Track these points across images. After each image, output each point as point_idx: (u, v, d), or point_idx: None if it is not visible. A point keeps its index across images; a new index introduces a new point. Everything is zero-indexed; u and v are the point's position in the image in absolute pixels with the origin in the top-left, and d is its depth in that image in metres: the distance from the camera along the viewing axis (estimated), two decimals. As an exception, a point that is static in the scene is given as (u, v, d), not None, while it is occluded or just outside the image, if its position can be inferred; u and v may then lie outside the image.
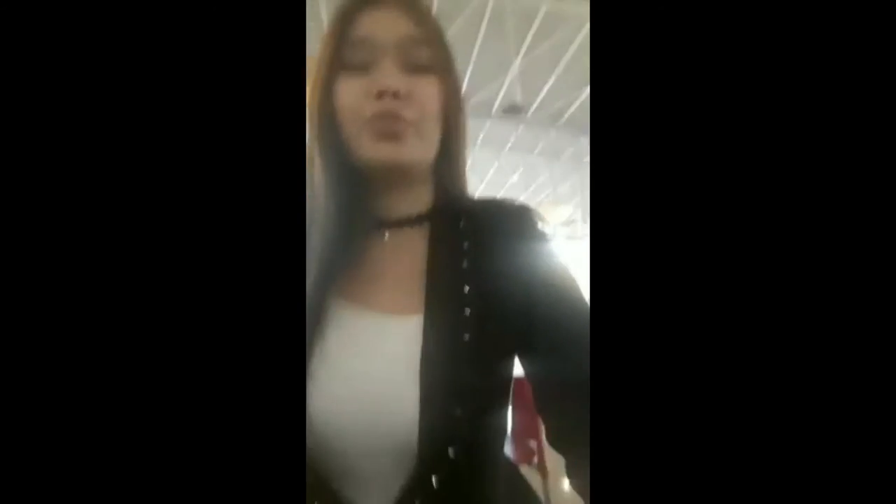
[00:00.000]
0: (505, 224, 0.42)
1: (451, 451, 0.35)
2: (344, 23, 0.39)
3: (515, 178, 7.02)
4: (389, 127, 0.37)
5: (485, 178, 7.08)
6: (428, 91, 0.39)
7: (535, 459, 1.51)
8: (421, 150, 0.39)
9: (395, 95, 0.37)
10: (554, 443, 0.38)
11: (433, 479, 0.35)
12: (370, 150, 0.38)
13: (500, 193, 7.57)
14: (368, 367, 0.37)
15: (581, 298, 0.39)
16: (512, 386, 0.42)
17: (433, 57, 0.39)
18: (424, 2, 0.41)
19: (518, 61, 4.35)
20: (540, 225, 0.42)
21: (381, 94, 0.37)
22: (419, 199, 0.43)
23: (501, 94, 4.94)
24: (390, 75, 0.37)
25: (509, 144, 6.10)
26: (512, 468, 0.47)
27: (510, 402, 0.42)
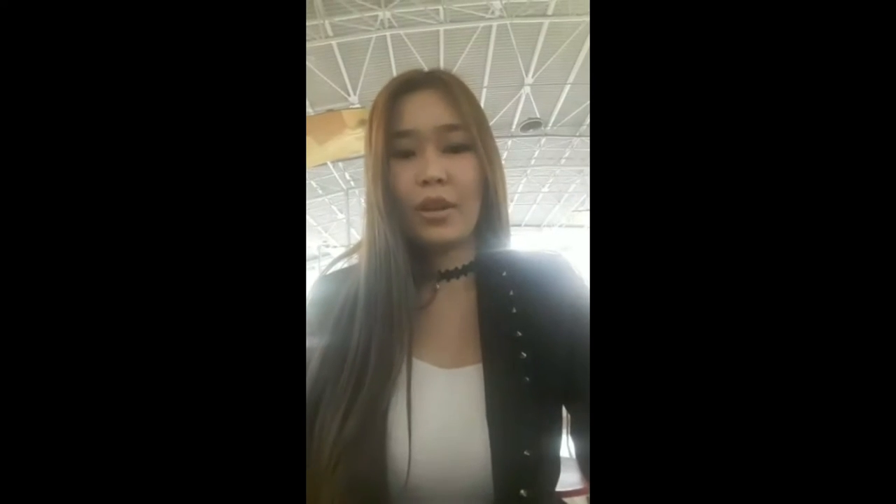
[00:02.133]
0: (544, 273, 0.46)
1: (523, 492, 0.38)
2: (387, 113, 0.44)
3: (546, 188, 6.97)
4: (436, 215, 0.43)
5: (515, 195, 7.08)
6: (465, 168, 0.43)
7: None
8: (464, 225, 0.44)
9: (439, 182, 0.42)
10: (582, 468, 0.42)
11: None
12: (422, 233, 0.43)
13: (532, 207, 7.53)
14: (441, 418, 0.40)
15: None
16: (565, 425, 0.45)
17: (468, 138, 0.44)
18: (456, 81, 0.46)
19: (529, 78, 4.42)
20: (575, 271, 0.47)
21: (426, 183, 0.42)
22: (465, 254, 0.47)
23: (518, 111, 5.01)
24: (433, 163, 0.42)
25: (534, 159, 6.11)
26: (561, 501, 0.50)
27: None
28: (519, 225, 7.85)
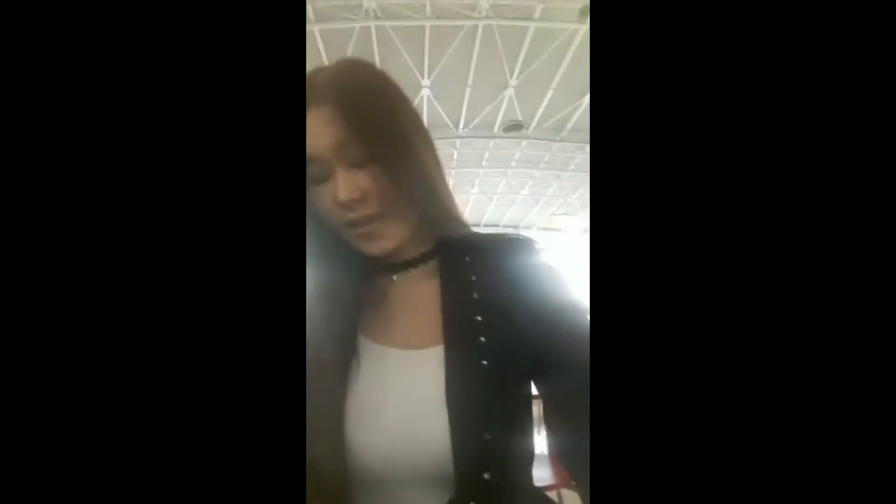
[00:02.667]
0: (507, 255, 0.45)
1: (486, 475, 0.37)
2: None
3: (526, 191, 7.03)
4: (366, 230, 0.42)
5: (494, 196, 7.12)
6: (380, 179, 0.40)
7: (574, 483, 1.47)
8: (401, 229, 0.43)
9: (356, 200, 0.40)
10: (563, 459, 0.40)
11: None
12: (361, 247, 0.43)
13: (511, 209, 7.60)
14: (399, 400, 0.40)
15: (583, 317, 0.42)
16: (534, 407, 0.44)
17: (372, 147, 0.40)
18: (342, 86, 0.41)
19: (514, 80, 4.43)
20: (540, 252, 0.46)
21: (343, 206, 0.41)
22: (421, 243, 0.46)
23: (501, 113, 5.02)
24: (342, 185, 0.40)
25: (514, 161, 6.15)
26: (538, 491, 0.48)
27: (535, 424, 0.44)
28: (497, 225, 7.91)
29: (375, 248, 0.43)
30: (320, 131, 0.40)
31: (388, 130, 0.41)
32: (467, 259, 0.45)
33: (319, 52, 3.80)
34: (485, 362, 0.40)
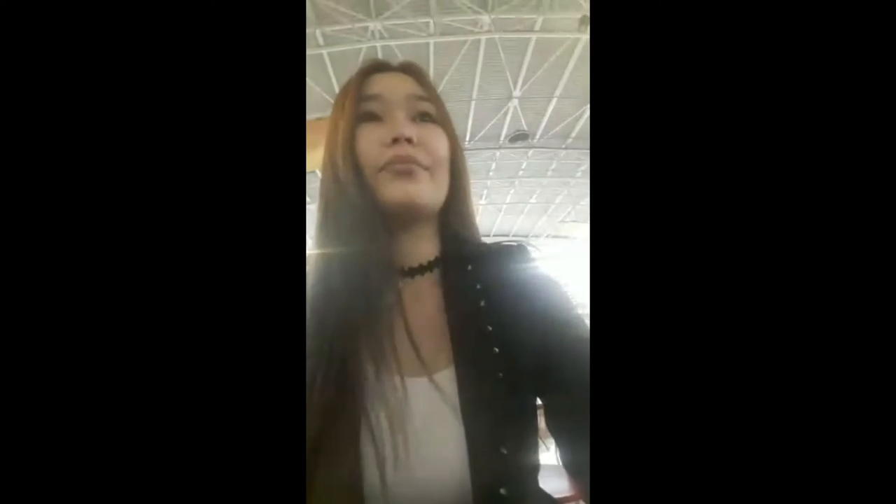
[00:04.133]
0: (508, 263, 0.45)
1: (503, 490, 0.37)
2: (358, 83, 0.44)
3: (534, 199, 7.05)
4: (406, 168, 0.41)
5: (503, 206, 7.15)
6: (436, 138, 0.43)
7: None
8: (433, 192, 0.43)
9: (409, 141, 0.41)
10: (568, 469, 0.40)
11: None
12: (388, 189, 0.41)
13: (520, 218, 7.61)
14: (416, 427, 0.38)
15: (581, 322, 0.42)
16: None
17: (436, 111, 0.45)
18: (424, 71, 0.48)
19: (517, 91, 4.50)
20: (535, 259, 0.46)
21: (395, 140, 0.41)
22: (428, 248, 0.45)
23: (506, 123, 5.08)
24: (403, 123, 0.42)
25: (521, 170, 6.19)
26: (545, 495, 0.47)
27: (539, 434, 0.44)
28: (507, 235, 7.91)
29: (406, 190, 0.40)
30: (396, 82, 0.44)
31: (442, 106, 0.46)
32: (469, 268, 0.44)
33: (329, 74, 3.92)
34: (501, 374, 0.39)
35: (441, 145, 0.43)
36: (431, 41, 3.84)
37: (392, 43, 3.75)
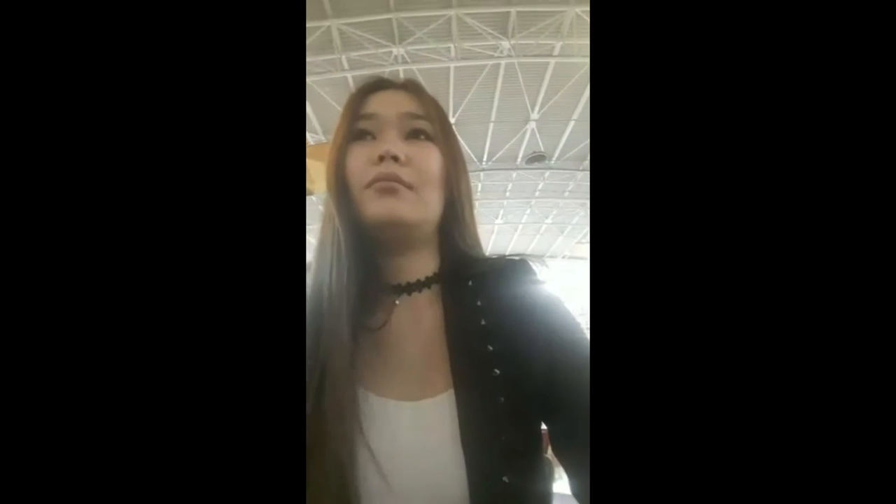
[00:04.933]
0: (510, 278, 0.43)
1: None
2: (355, 102, 0.44)
3: (550, 220, 7.05)
4: (388, 186, 0.40)
5: (519, 225, 7.16)
6: (426, 156, 0.42)
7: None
8: (421, 210, 0.41)
9: (395, 159, 0.40)
10: (576, 496, 0.38)
11: None
12: (371, 206, 0.40)
13: (536, 238, 7.59)
14: (413, 454, 0.37)
15: (587, 341, 0.41)
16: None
17: (431, 128, 0.43)
18: (424, 88, 0.47)
19: (535, 114, 4.57)
20: (538, 274, 0.44)
21: (381, 158, 0.40)
22: (427, 264, 0.44)
23: (524, 145, 5.14)
24: (391, 142, 0.41)
25: (538, 191, 6.21)
26: None
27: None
28: (522, 254, 7.87)
29: (389, 207, 0.39)
30: (392, 100, 0.44)
31: (448, 128, 0.46)
32: (470, 284, 0.42)
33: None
34: (502, 398, 0.37)
35: (432, 163, 0.42)
36: (452, 65, 3.96)
37: (414, 67, 3.88)
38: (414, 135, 0.43)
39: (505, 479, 0.36)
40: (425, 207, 0.42)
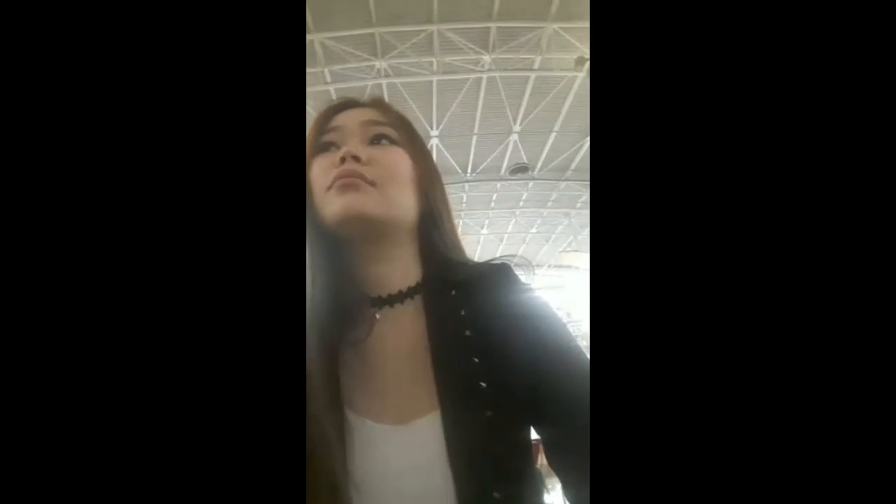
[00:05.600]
0: (495, 285, 0.42)
1: None
2: (322, 120, 0.45)
3: (534, 230, 7.12)
4: (349, 182, 0.39)
5: (504, 235, 7.20)
6: (389, 156, 0.42)
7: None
8: (384, 205, 0.40)
9: (356, 158, 0.40)
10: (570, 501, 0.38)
11: None
12: (332, 204, 0.39)
13: (521, 247, 7.64)
14: (402, 477, 0.36)
15: (583, 355, 0.40)
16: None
17: (395, 134, 0.44)
18: (390, 105, 0.48)
19: (517, 126, 4.64)
20: (522, 278, 0.43)
21: (343, 159, 0.40)
22: (408, 274, 0.43)
23: (507, 157, 5.21)
24: (354, 145, 0.41)
25: (522, 201, 6.28)
26: None
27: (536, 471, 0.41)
28: (505, 258, 7.90)
29: (346, 200, 0.39)
30: (356, 113, 0.45)
31: (415, 136, 0.46)
32: (453, 293, 0.41)
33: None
34: (489, 412, 0.37)
35: (395, 162, 0.42)
36: (435, 79, 4.00)
37: (397, 80, 3.91)
38: (377, 139, 0.43)
39: (495, 494, 0.35)
40: (389, 203, 0.40)
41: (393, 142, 0.44)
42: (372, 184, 0.40)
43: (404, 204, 0.42)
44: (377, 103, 0.47)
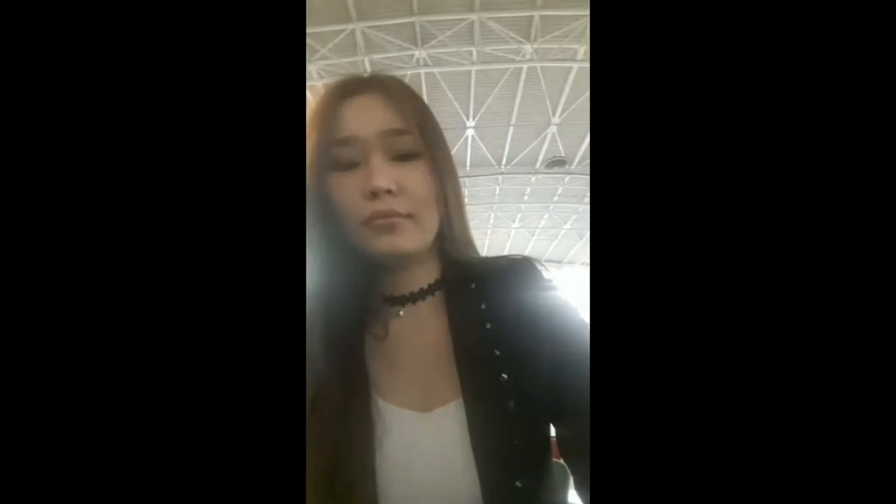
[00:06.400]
0: (514, 278, 0.42)
1: None
2: (327, 121, 0.40)
3: (568, 225, 6.98)
4: (388, 223, 0.38)
5: (536, 230, 7.10)
6: (418, 177, 0.40)
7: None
8: (420, 237, 0.40)
9: (388, 192, 0.38)
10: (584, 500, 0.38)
11: None
12: (371, 244, 0.39)
13: (553, 242, 7.52)
14: (423, 464, 0.37)
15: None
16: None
17: (416, 142, 0.40)
18: (400, 85, 0.42)
19: (556, 118, 4.54)
20: (544, 274, 0.43)
21: (374, 195, 0.38)
22: (428, 272, 0.43)
23: (544, 149, 5.11)
24: (380, 172, 0.38)
25: (557, 195, 6.16)
26: None
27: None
28: (539, 260, 7.81)
29: (390, 243, 0.38)
30: (370, 114, 0.39)
31: (433, 130, 0.42)
32: (473, 286, 0.42)
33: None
34: (511, 403, 0.37)
35: (423, 184, 0.40)
36: (473, 69, 3.97)
37: (435, 70, 3.90)
38: (402, 157, 0.40)
39: (518, 483, 0.36)
40: (424, 231, 0.41)
41: (416, 154, 0.40)
42: (408, 216, 0.39)
43: (435, 223, 0.42)
44: (386, 89, 0.41)
